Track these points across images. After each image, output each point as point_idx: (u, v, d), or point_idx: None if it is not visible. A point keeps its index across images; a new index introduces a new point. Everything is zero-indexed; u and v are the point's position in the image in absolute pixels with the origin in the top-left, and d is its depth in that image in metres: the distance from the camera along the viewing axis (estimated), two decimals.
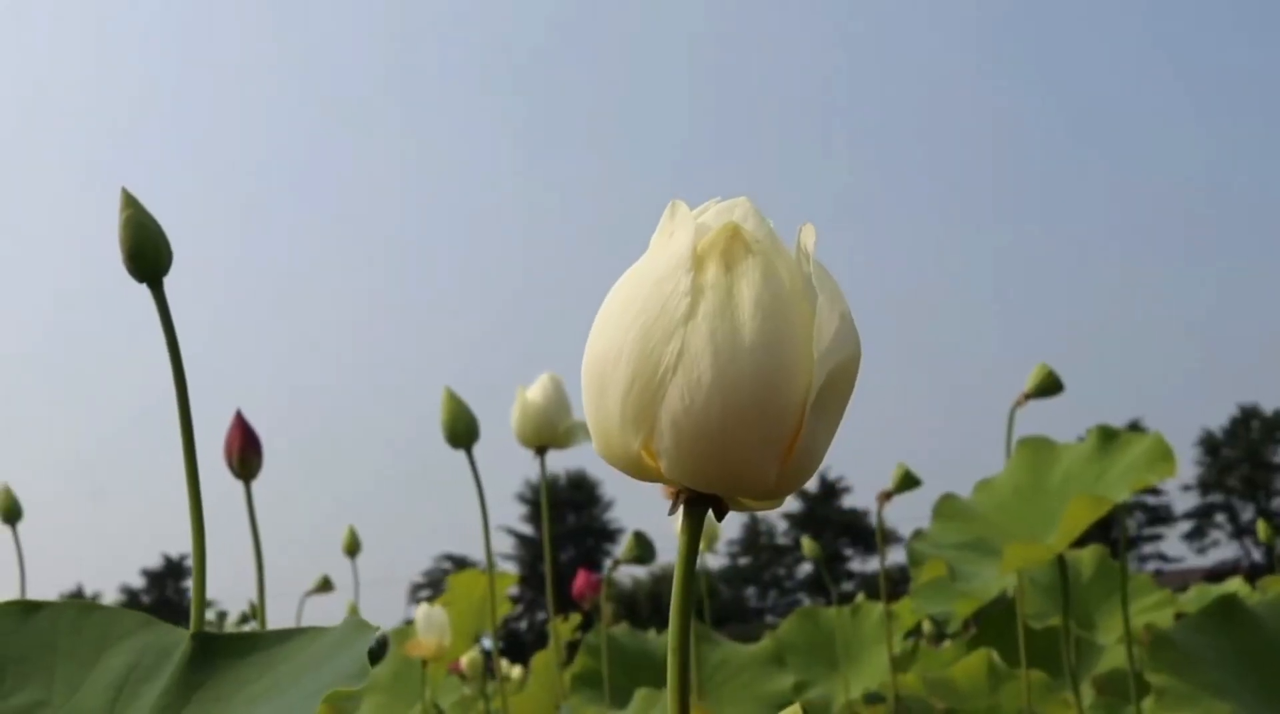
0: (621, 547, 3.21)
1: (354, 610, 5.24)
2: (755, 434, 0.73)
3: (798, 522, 46.69)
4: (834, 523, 45.89)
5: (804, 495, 47.06)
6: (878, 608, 4.43)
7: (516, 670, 6.68)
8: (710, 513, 0.79)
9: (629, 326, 0.74)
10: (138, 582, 50.44)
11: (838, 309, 0.74)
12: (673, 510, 0.77)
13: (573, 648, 4.55)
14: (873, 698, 4.05)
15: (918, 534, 2.83)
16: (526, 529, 47.74)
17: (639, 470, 0.76)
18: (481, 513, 2.49)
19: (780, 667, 3.90)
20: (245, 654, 1.11)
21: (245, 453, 2.09)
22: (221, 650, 1.11)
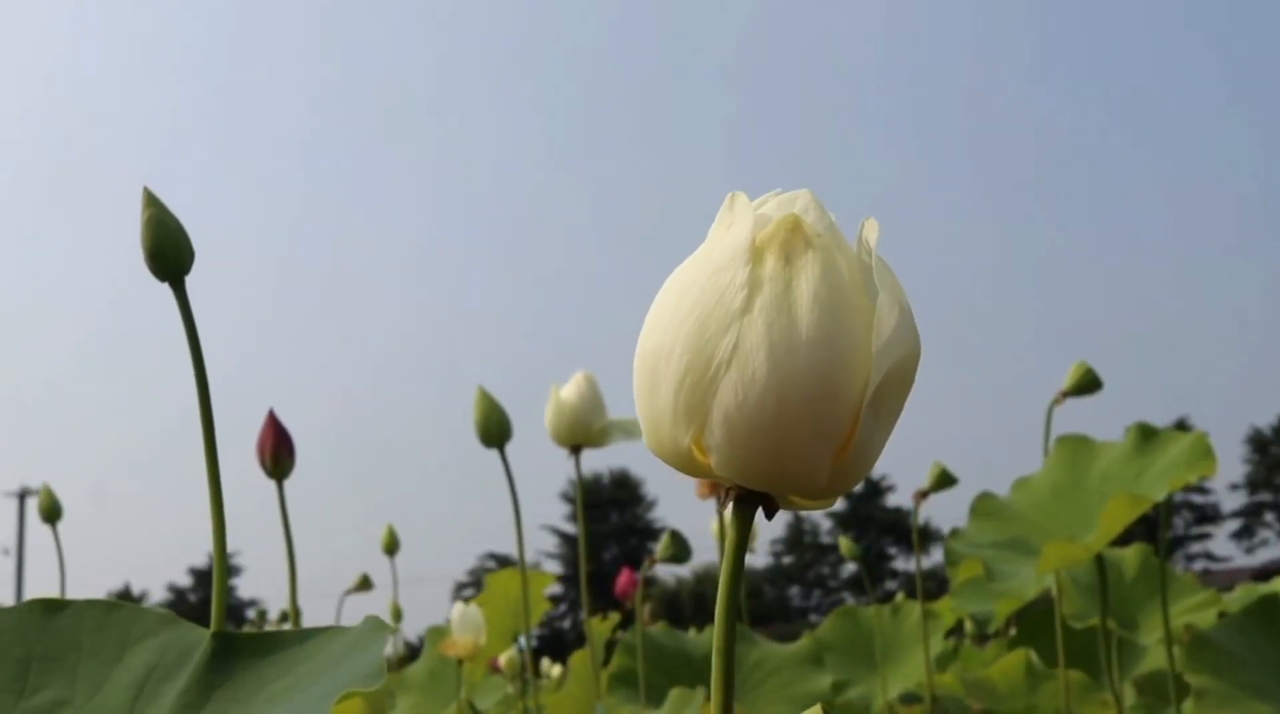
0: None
1: (395, 609, 5.25)
2: (809, 432, 0.71)
3: (841, 520, 46.58)
4: (878, 521, 45.73)
5: (847, 494, 46.79)
6: (918, 607, 4.41)
7: (557, 669, 6.69)
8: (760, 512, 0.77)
9: (683, 319, 0.72)
10: (185, 580, 50.89)
11: (898, 305, 0.72)
12: (722, 507, 0.76)
13: (612, 647, 4.55)
14: (909, 698, 4.02)
15: (954, 533, 2.81)
16: (570, 528, 47.82)
17: (689, 466, 0.74)
18: (514, 512, 2.49)
19: (818, 666, 3.87)
20: (265, 654, 1.10)
21: (278, 452, 2.10)
22: (241, 650, 1.11)
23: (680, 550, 3.29)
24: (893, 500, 47.65)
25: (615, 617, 4.40)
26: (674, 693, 2.72)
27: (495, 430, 2.39)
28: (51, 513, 3.09)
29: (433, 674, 4.07)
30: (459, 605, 3.12)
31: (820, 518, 48.15)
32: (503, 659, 4.65)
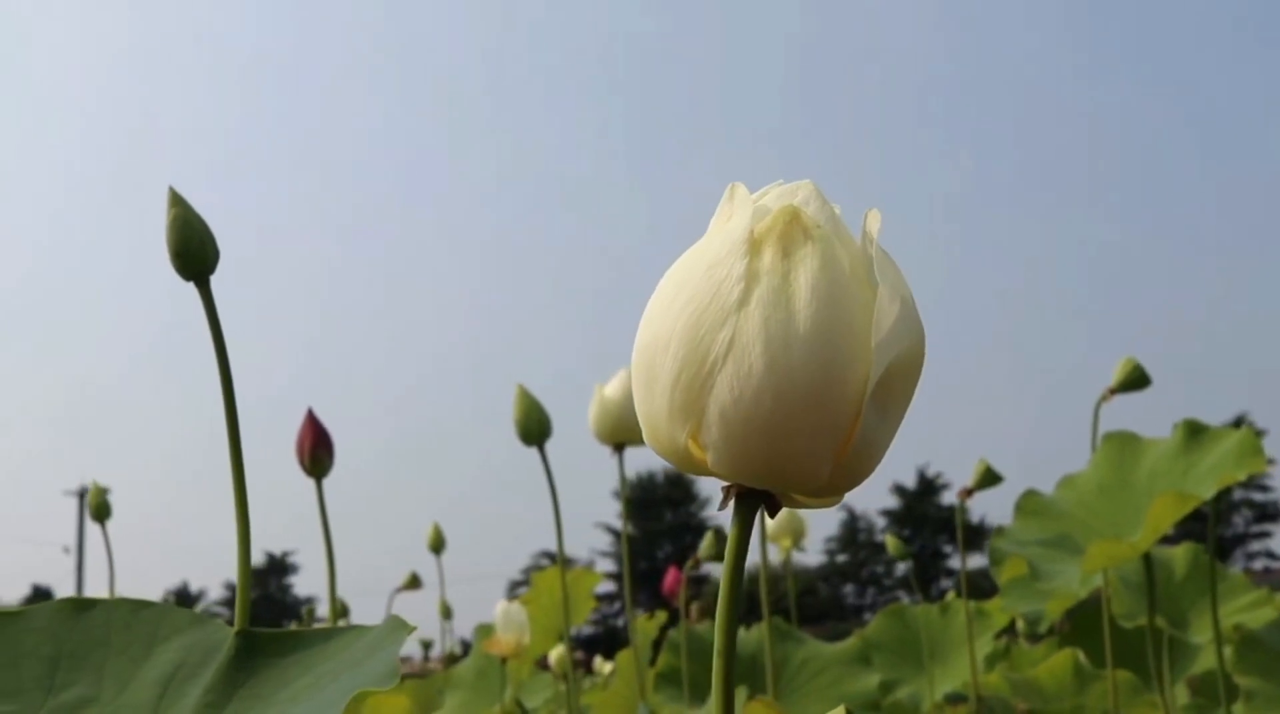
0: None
1: (444, 607, 5.27)
2: (807, 428, 0.68)
3: (896, 518, 46.30)
4: (932, 519, 45.43)
5: (901, 492, 46.70)
6: (967, 606, 4.37)
7: (609, 667, 6.69)
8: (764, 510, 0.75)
9: (679, 313, 0.70)
10: None
11: (899, 297, 0.70)
12: (723, 505, 0.74)
13: (660, 646, 4.54)
14: (954, 698, 3.98)
15: (999, 532, 2.78)
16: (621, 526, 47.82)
17: (687, 463, 0.73)
18: (554, 511, 2.48)
19: (866, 666, 3.85)
20: (288, 652, 1.10)
21: (316, 451, 2.11)
22: (265, 649, 1.11)
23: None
24: (947, 498, 47.29)
25: (662, 615, 4.39)
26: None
27: (535, 428, 2.39)
28: (101, 512, 3.12)
29: (480, 672, 4.08)
30: (502, 604, 3.12)
31: (875, 516, 47.96)
32: (553, 657, 4.66)
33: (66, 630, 1.19)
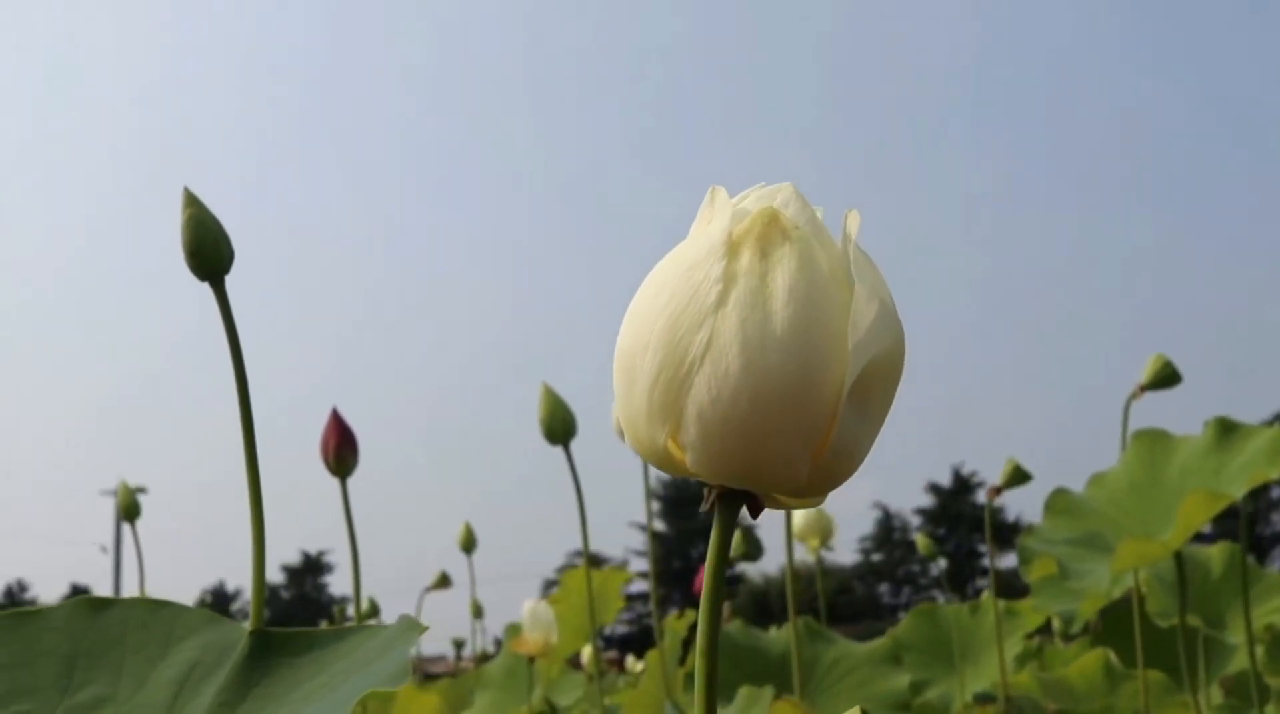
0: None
1: (475, 606, 5.28)
2: (784, 428, 0.69)
3: (931, 517, 46.10)
4: (967, 518, 45.20)
5: (936, 491, 46.51)
6: (1000, 606, 4.35)
7: (640, 666, 6.69)
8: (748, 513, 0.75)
9: (658, 315, 0.71)
10: (277, 577, 51.66)
11: (877, 298, 0.70)
12: (705, 506, 0.74)
13: (690, 645, 4.53)
14: (983, 698, 3.96)
15: (1029, 530, 2.76)
16: (659, 525, 47.87)
17: (667, 464, 0.73)
18: (579, 510, 2.48)
19: (896, 665, 3.84)
20: (302, 652, 1.10)
21: (341, 450, 2.11)
22: (279, 648, 1.11)
23: (751, 548, 3.27)
24: (983, 497, 46.91)
25: (691, 614, 4.38)
26: (742, 691, 2.71)
27: (560, 428, 2.39)
28: (130, 511, 3.14)
29: (510, 671, 4.08)
30: (529, 603, 3.12)
31: (910, 515, 47.77)
32: (584, 656, 4.66)
33: (84, 629, 1.19)
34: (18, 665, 1.16)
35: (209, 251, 1.17)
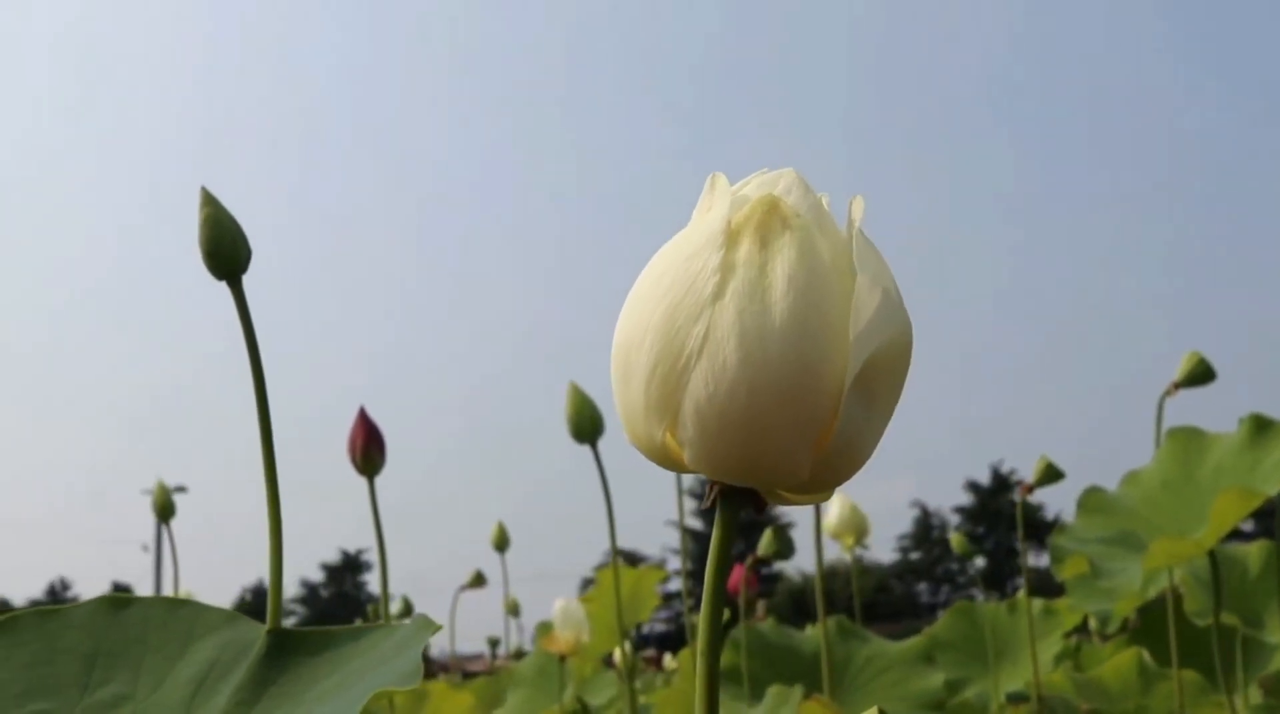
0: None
1: (511, 604, 5.28)
2: (784, 422, 0.67)
3: (970, 515, 45.87)
4: (1006, 516, 44.88)
5: (975, 489, 46.26)
6: (1036, 605, 4.32)
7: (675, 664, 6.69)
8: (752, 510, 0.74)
9: (654, 307, 0.69)
10: (317, 575, 51.91)
11: (880, 288, 0.68)
12: (706, 503, 0.72)
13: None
14: (1015, 697, 3.93)
15: (1061, 529, 2.74)
16: (697, 524, 47.77)
17: (666, 460, 0.71)
18: (606, 508, 2.48)
19: (930, 665, 3.81)
20: (319, 651, 1.10)
21: (368, 449, 2.11)
22: (296, 648, 1.11)
23: (783, 547, 3.25)
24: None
25: (725, 613, 4.37)
26: (772, 690, 2.70)
27: (586, 426, 2.38)
28: (165, 511, 3.15)
29: (541, 670, 4.08)
30: (561, 602, 3.12)
31: (949, 513, 47.54)
32: (617, 654, 4.65)
33: (104, 628, 1.19)
34: (39, 664, 1.17)
35: (226, 251, 1.17)
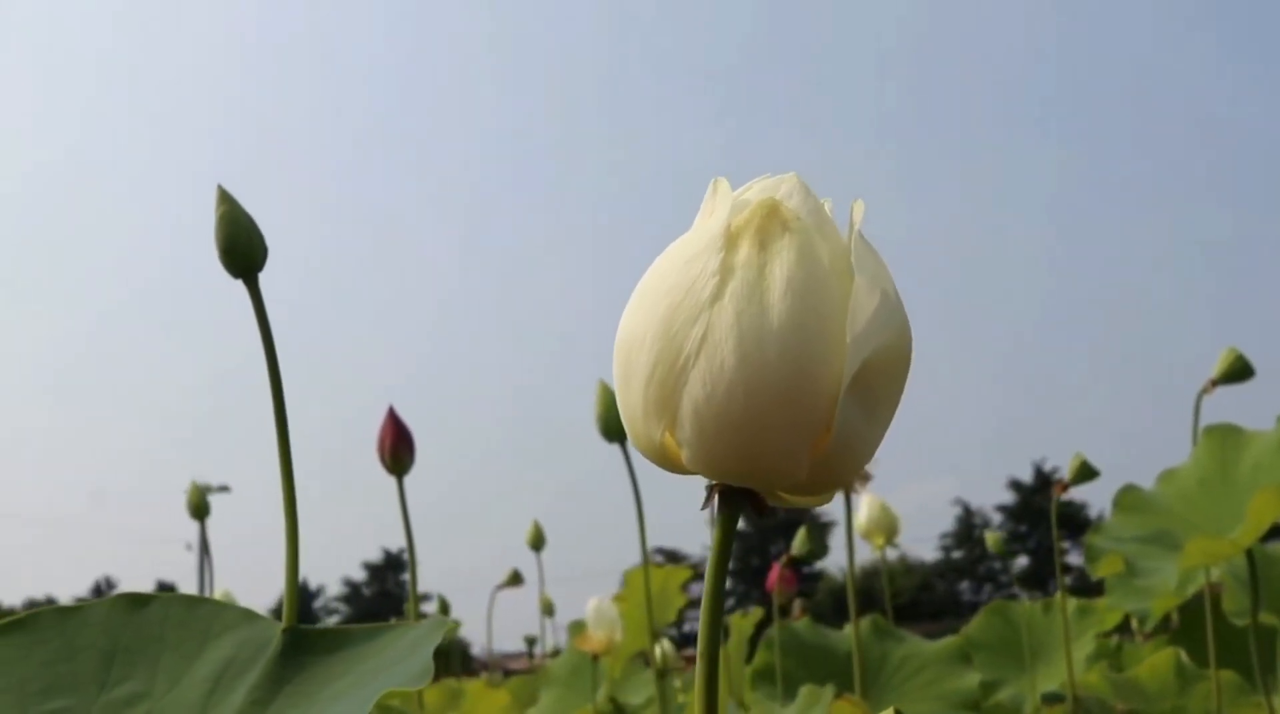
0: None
1: (546, 603, 5.28)
2: (781, 424, 0.67)
3: (1012, 514, 45.59)
4: (1049, 515, 44.50)
5: (1018, 487, 46.00)
6: (1072, 604, 4.28)
7: None
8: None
9: (654, 308, 0.70)
10: (359, 574, 52.17)
11: (879, 290, 0.68)
12: (705, 505, 0.73)
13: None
14: (1050, 698, 3.90)
15: (1096, 528, 2.71)
16: (738, 523, 47.67)
17: (665, 461, 0.72)
18: (636, 507, 2.47)
19: (965, 664, 3.79)
20: (334, 650, 1.10)
21: (397, 449, 2.11)
22: (312, 646, 1.11)
23: (816, 546, 3.24)
24: (1066, 493, 46.31)
25: (758, 612, 4.36)
26: (804, 690, 2.68)
27: (615, 425, 2.38)
28: (199, 510, 3.16)
29: (574, 669, 4.08)
30: (593, 601, 3.11)
31: (991, 512, 47.26)
32: (658, 653, 4.64)
33: (123, 626, 1.20)
34: (58, 661, 1.17)
35: (242, 249, 1.17)
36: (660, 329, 0.69)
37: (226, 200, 1.18)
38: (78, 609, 1.22)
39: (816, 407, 0.67)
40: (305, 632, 1.12)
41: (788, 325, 0.67)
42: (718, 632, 0.71)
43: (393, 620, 1.20)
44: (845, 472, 0.70)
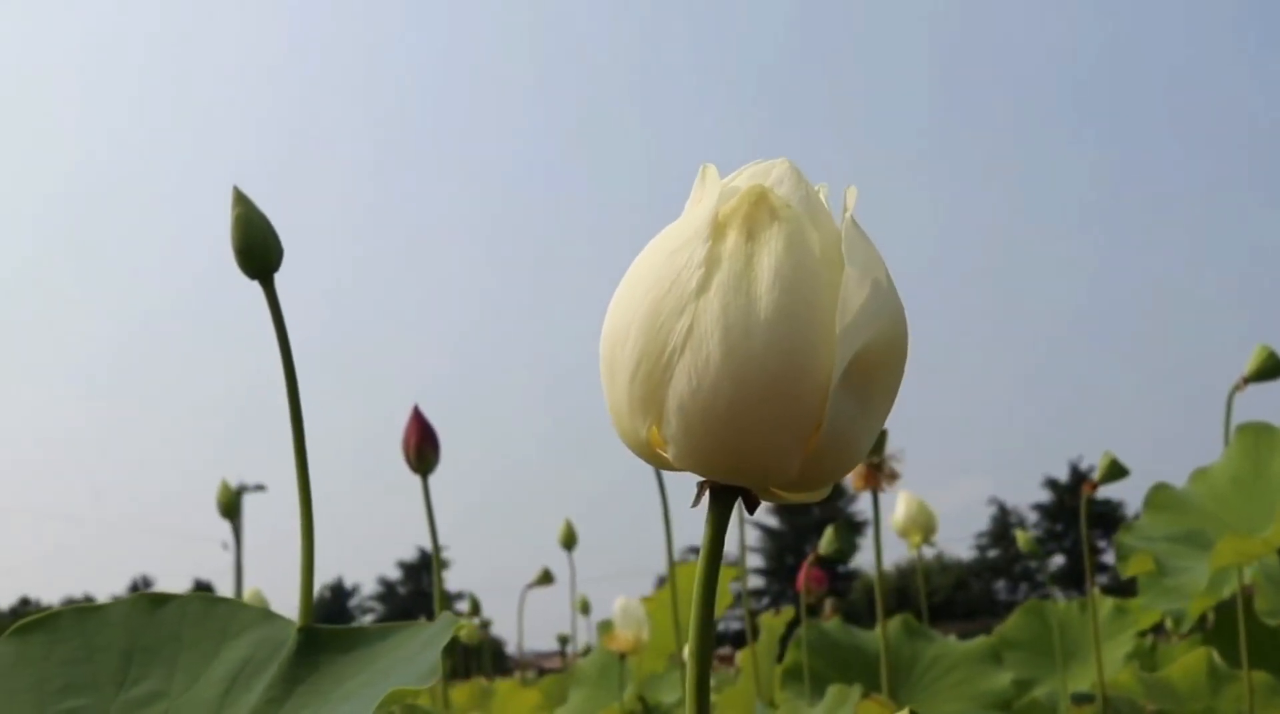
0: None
1: (583, 603, 5.28)
2: (769, 418, 0.65)
3: (1048, 513, 45.32)
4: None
5: (1054, 486, 45.71)
6: (1108, 603, 4.24)
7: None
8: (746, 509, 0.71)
9: (639, 301, 0.67)
10: (394, 574, 52.37)
11: (870, 280, 0.65)
12: (695, 502, 0.70)
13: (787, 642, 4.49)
14: (1080, 698, 3.87)
15: (1127, 527, 2.69)
16: (773, 522, 47.67)
17: (652, 458, 0.70)
18: (662, 505, 2.48)
19: (997, 664, 3.76)
20: (348, 649, 1.10)
21: (422, 448, 2.12)
22: (326, 645, 1.11)
23: (844, 545, 3.23)
24: (1102, 491, 46.00)
25: (789, 612, 4.34)
26: (832, 689, 2.67)
27: None
28: (229, 509, 3.18)
29: (604, 668, 4.07)
30: (621, 600, 3.11)
31: (1027, 510, 46.98)
32: (687, 653, 4.63)
33: (142, 625, 1.20)
34: (78, 661, 1.18)
35: (258, 251, 1.17)
36: (645, 322, 0.67)
37: (242, 202, 1.18)
38: (97, 609, 1.22)
39: (806, 401, 0.65)
40: (319, 631, 1.12)
41: (775, 317, 0.64)
42: (709, 633, 0.70)
43: (421, 620, 1.20)
44: (838, 468, 0.68)
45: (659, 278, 0.67)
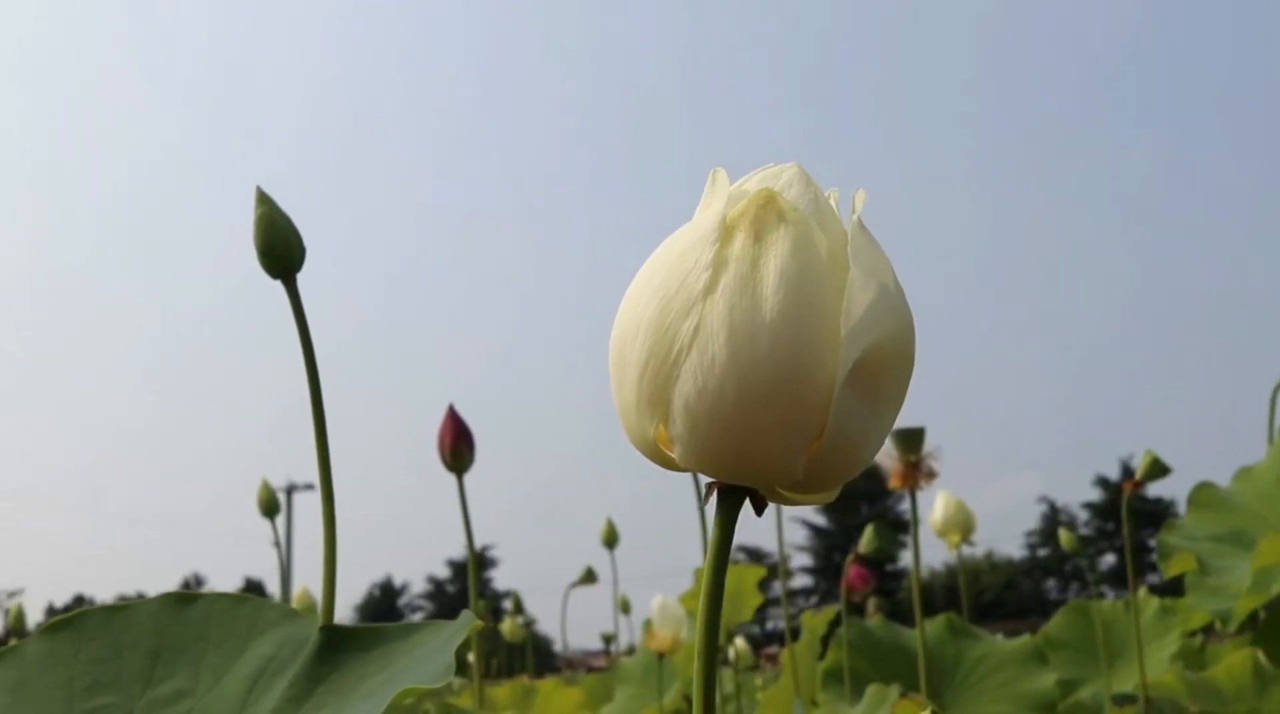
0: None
1: (623, 602, 5.28)
2: (774, 419, 0.65)
3: (1099, 511, 44.97)
4: (1137, 512, 43.70)
5: (1104, 484, 45.34)
6: (1153, 603, 4.20)
7: None
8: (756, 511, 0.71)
9: (648, 302, 0.68)
10: (443, 572, 52.63)
11: (876, 282, 0.66)
12: (704, 501, 0.71)
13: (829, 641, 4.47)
14: (1122, 698, 3.83)
15: (1170, 526, 2.66)
16: (820, 520, 47.53)
17: (659, 457, 0.70)
18: (698, 505, 2.47)
19: (1042, 664, 3.73)
20: (370, 648, 1.10)
21: (457, 446, 2.12)
22: (348, 644, 1.11)
23: (885, 543, 3.21)
24: (1153, 490, 45.70)
25: (830, 611, 4.32)
26: (870, 689, 2.66)
27: None
28: (269, 508, 3.20)
29: (647, 667, 4.08)
30: (659, 599, 3.11)
31: (1078, 509, 46.63)
32: (732, 652, 4.63)
33: (168, 624, 1.21)
34: (106, 659, 1.18)
35: (280, 250, 1.18)
36: (653, 322, 0.68)
37: (265, 202, 1.18)
38: (124, 608, 1.23)
39: (810, 403, 0.65)
40: (342, 630, 1.12)
41: (780, 319, 0.65)
42: (715, 633, 0.69)
43: (466, 614, 1.20)
44: (844, 470, 0.69)
45: (667, 278, 0.68)
